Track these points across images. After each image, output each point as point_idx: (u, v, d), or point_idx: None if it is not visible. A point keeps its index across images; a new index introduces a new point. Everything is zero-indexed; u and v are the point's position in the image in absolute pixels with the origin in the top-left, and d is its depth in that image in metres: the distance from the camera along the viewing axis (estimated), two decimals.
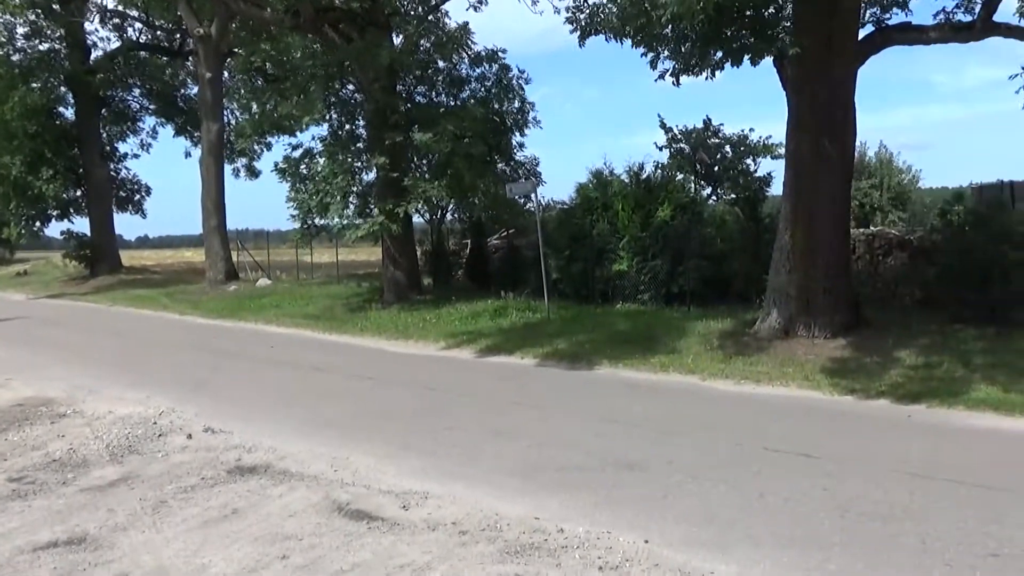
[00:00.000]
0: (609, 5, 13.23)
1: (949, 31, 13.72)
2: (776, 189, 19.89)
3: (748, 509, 6.92)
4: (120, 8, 37.70)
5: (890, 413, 10.26)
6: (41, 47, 37.14)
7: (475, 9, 22.08)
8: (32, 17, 35.55)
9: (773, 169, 22.09)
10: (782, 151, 16.62)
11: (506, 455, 8.84)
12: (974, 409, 10.11)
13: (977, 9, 13.51)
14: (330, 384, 13.39)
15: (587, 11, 13.72)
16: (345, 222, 20.96)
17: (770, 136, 21.65)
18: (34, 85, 35.94)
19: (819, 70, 13.49)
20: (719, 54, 12.99)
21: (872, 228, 20.46)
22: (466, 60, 22.46)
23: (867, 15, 14.59)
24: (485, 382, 13.27)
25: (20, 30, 36.12)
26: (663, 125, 22.36)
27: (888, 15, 14.60)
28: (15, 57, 35.79)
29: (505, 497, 7.42)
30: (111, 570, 6.11)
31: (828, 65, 13.48)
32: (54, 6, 35.72)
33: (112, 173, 40.03)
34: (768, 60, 13.53)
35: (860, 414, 10.29)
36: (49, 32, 36.97)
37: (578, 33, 13.82)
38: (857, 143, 15.15)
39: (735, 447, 8.85)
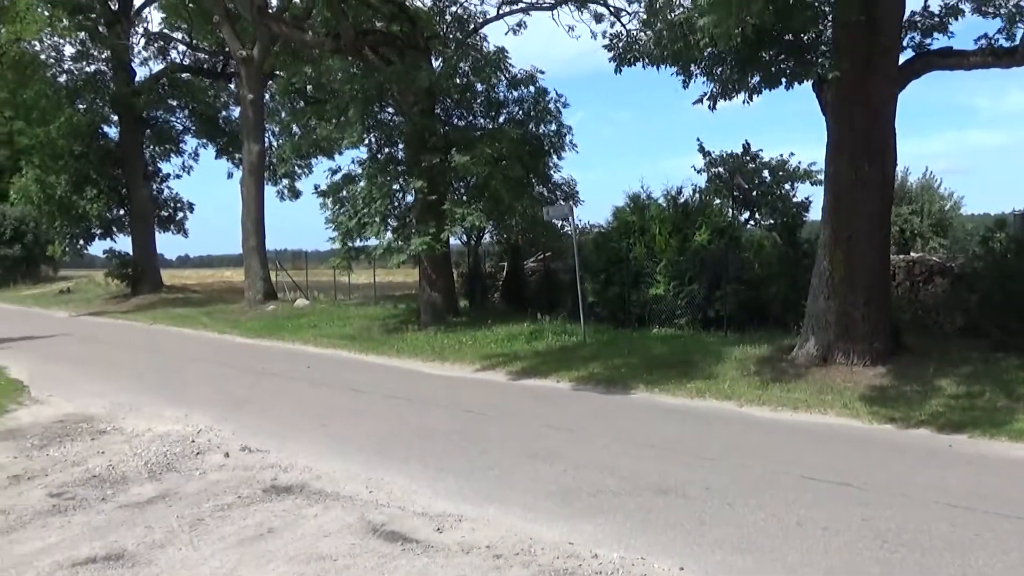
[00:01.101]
0: (646, 32, 13.29)
1: (990, 56, 13.60)
2: (815, 214, 19.74)
3: (785, 537, 6.85)
4: (165, 31, 38.44)
5: (930, 442, 10.12)
6: (88, 69, 37.89)
7: (514, 33, 22.25)
8: (81, 37, 36.26)
9: (811, 194, 21.84)
10: (821, 176, 16.52)
11: (541, 478, 8.82)
12: (1017, 440, 9.94)
13: (1019, 35, 13.39)
14: (366, 405, 13.44)
15: (624, 39, 13.80)
16: (385, 244, 21.08)
17: (813, 163, 21.51)
18: (80, 106, 36.65)
19: (859, 94, 13.42)
20: (757, 78, 12.98)
21: (912, 254, 20.25)
22: (504, 83, 22.59)
23: (907, 39, 14.51)
24: (520, 405, 13.26)
25: (68, 51, 36.89)
26: (701, 149, 22.28)
27: (929, 40, 14.52)
28: (62, 78, 36.51)
29: (540, 521, 7.41)
30: None
31: (868, 90, 13.41)
32: (100, 28, 36.40)
33: (154, 193, 40.61)
34: (807, 84, 13.50)
35: (900, 443, 10.16)
36: (95, 54, 37.69)
37: (616, 61, 13.90)
38: (898, 168, 15.04)
39: (772, 474, 8.77)
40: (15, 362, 18.39)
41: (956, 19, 14.07)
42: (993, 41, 13.69)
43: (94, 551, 6.87)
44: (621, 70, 13.95)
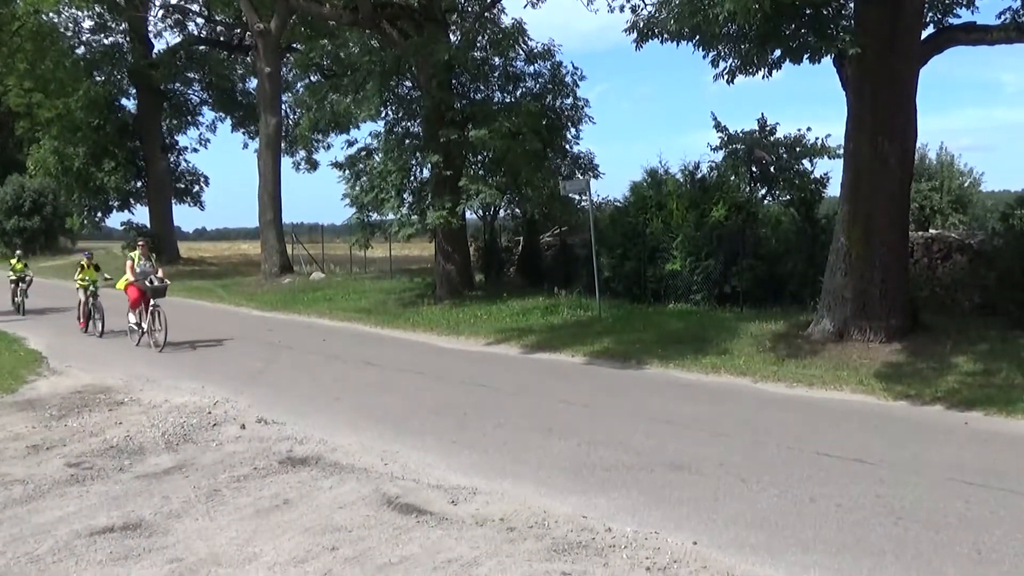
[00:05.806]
0: (664, 10, 13.17)
1: (1014, 31, 13.42)
2: (832, 190, 19.62)
3: (799, 514, 6.85)
4: (182, 3, 38.42)
5: (946, 419, 10.07)
6: (105, 41, 37.95)
7: (532, 6, 22.09)
8: (98, 11, 36.27)
9: (830, 170, 21.71)
10: (839, 152, 16.39)
11: (555, 453, 8.84)
12: None
13: None
14: (381, 378, 13.48)
15: (643, 13, 13.71)
16: (400, 218, 21.11)
17: (828, 135, 21.36)
18: (98, 78, 36.71)
19: (880, 70, 13.28)
20: (777, 52, 12.85)
21: (931, 231, 20.10)
22: (521, 56, 22.48)
23: (930, 14, 14.32)
24: (535, 379, 13.26)
25: (86, 24, 36.94)
26: (718, 125, 22.15)
27: (952, 15, 14.33)
28: (80, 50, 36.56)
29: (553, 495, 7.43)
30: (165, 556, 6.22)
31: (889, 65, 13.27)
32: (118, 1, 36.38)
33: (172, 165, 40.73)
34: (828, 59, 13.35)
35: (915, 420, 10.12)
36: (113, 26, 37.73)
37: (636, 37, 13.80)
38: (917, 144, 14.89)
39: (786, 450, 8.76)
40: (34, 334, 18.53)
41: None
42: (1017, 16, 13.50)
43: (112, 520, 6.94)
44: (641, 46, 13.85)
